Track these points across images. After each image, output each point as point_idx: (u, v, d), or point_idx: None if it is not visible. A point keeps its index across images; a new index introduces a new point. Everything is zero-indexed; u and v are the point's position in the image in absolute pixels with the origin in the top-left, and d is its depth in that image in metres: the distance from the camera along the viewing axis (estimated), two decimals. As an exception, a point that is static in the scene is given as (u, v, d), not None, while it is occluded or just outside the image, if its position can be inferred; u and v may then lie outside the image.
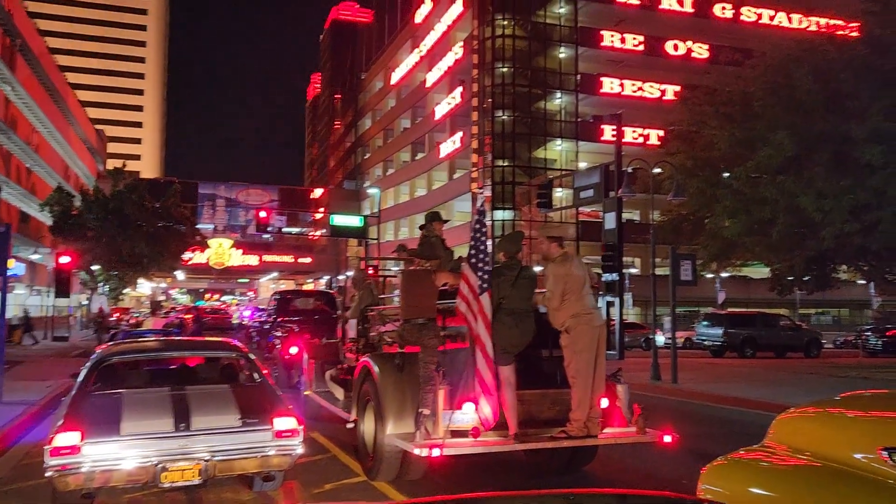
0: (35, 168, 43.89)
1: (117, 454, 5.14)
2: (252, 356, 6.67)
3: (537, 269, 6.57)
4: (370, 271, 11.40)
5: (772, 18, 47.25)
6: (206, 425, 5.41)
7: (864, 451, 2.91)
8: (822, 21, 25.14)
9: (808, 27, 42.48)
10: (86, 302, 45.11)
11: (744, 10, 47.52)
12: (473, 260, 5.86)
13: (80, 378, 6.03)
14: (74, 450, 5.07)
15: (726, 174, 21.61)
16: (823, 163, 17.16)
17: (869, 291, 41.65)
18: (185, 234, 41.28)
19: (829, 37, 20.41)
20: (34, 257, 38.62)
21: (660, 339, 31.75)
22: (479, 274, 5.81)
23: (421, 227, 7.99)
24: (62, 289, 24.55)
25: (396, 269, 17.74)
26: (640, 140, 43.66)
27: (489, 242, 6.23)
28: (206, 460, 5.30)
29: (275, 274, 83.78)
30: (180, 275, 74.31)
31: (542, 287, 6.33)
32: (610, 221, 21.94)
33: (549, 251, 6.21)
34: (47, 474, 5.06)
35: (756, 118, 19.21)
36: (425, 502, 1.25)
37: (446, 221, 8.01)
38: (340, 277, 61.09)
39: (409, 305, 6.38)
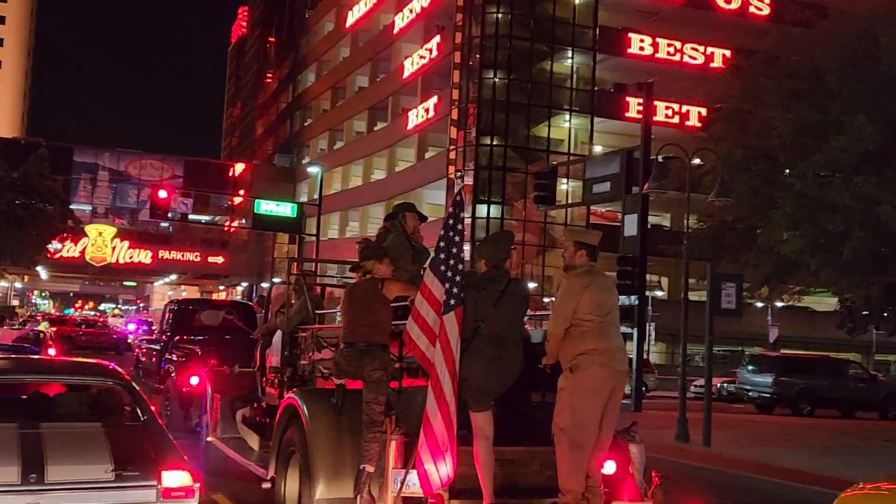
0: None
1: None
2: (135, 386, 6.60)
3: (532, 284, 6.60)
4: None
5: (855, -33, 48.13)
6: (65, 477, 5.33)
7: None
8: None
9: (902, -19, 43.37)
10: None
11: (819, -46, 48.39)
12: (442, 266, 5.85)
13: None
14: None
15: (787, 170, 21.83)
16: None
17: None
18: (52, 217, 40.70)
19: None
20: None
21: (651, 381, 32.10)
22: (447, 286, 5.81)
23: (386, 219, 7.99)
24: None
25: (340, 276, 17.58)
26: (676, 119, 44.17)
27: (466, 246, 6.25)
28: (64, 526, 5.20)
29: (174, 276, 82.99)
30: (43, 272, 73.26)
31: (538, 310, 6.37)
32: (631, 226, 22.11)
33: (572, 259, 6.22)
34: None
35: (829, 97, 19.50)
36: None
37: (424, 220, 7.98)
38: (264, 285, 60.66)
39: (350, 324, 6.37)
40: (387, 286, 6.61)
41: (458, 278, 5.83)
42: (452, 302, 5.79)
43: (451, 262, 5.84)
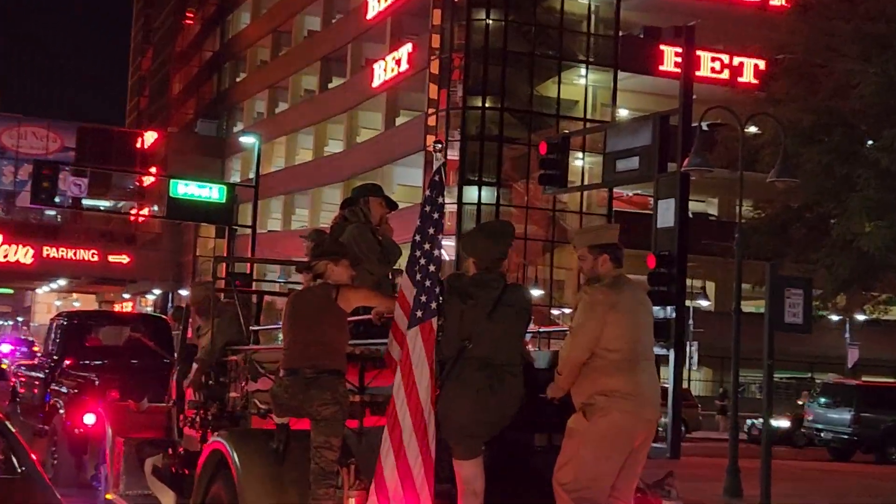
0: None
1: None
2: (10, 426, 6.55)
3: (536, 292, 6.58)
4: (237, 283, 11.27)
5: None
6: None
7: None
8: None
9: None
10: None
11: None
12: (416, 267, 5.87)
13: None
14: None
15: (870, 141, 21.95)
16: None
17: None
18: None
19: None
20: None
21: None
22: (416, 291, 5.83)
23: (343, 205, 8.03)
24: None
25: (284, 280, 17.51)
26: (725, 75, 44.29)
27: (449, 242, 6.23)
28: None
29: (63, 282, 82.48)
30: None
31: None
32: (666, 215, 22.09)
33: (593, 269, 6.22)
34: None
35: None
36: None
37: (393, 208, 8.02)
38: (183, 292, 60.49)
39: (293, 344, 6.37)
40: (344, 294, 6.57)
41: (428, 283, 5.83)
42: (420, 313, 5.78)
43: (423, 261, 5.86)
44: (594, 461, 5.93)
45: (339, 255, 6.75)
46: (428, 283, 5.83)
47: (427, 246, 5.90)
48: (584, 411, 5.96)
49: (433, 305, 5.84)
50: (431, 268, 5.86)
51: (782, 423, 32.37)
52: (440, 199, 6.02)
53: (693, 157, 17.63)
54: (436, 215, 5.97)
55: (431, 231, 5.93)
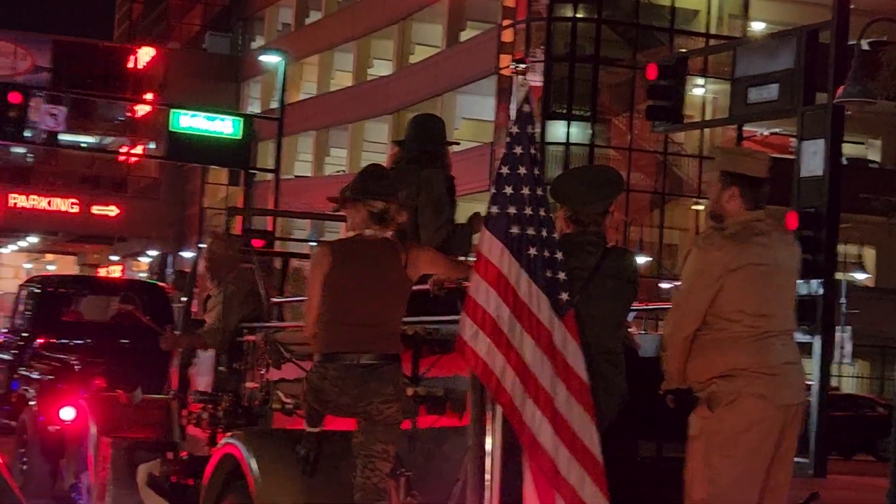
0: None
1: None
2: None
3: (641, 259, 6.50)
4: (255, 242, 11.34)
5: None
6: None
7: None
8: None
9: None
10: None
11: None
12: (514, 228, 5.55)
13: None
14: None
15: None
16: None
17: None
18: None
19: None
20: None
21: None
22: (542, 268, 5.56)
23: (397, 143, 8.13)
24: None
25: (315, 237, 17.61)
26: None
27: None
28: None
29: (35, 239, 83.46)
30: None
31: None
32: (813, 161, 21.94)
33: (717, 201, 6.06)
34: None
35: None
36: None
37: (454, 144, 8.03)
38: (186, 254, 61.03)
39: (338, 320, 6.30)
40: (415, 257, 6.35)
41: (552, 252, 5.61)
42: (565, 296, 5.61)
43: (527, 216, 5.58)
44: (728, 467, 5.85)
45: (407, 199, 6.62)
46: (553, 252, 5.64)
47: (524, 189, 5.61)
48: (708, 402, 5.85)
49: (568, 283, 5.69)
50: (546, 232, 5.63)
51: None
52: (531, 132, 5.76)
53: (850, 84, 17.46)
54: (533, 151, 5.71)
55: (537, 172, 5.68)
